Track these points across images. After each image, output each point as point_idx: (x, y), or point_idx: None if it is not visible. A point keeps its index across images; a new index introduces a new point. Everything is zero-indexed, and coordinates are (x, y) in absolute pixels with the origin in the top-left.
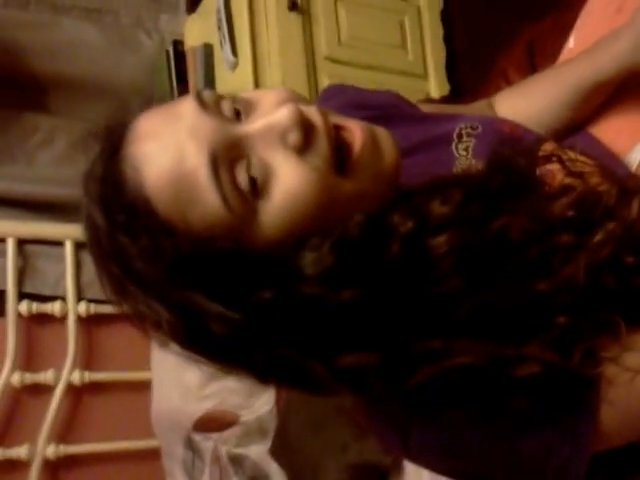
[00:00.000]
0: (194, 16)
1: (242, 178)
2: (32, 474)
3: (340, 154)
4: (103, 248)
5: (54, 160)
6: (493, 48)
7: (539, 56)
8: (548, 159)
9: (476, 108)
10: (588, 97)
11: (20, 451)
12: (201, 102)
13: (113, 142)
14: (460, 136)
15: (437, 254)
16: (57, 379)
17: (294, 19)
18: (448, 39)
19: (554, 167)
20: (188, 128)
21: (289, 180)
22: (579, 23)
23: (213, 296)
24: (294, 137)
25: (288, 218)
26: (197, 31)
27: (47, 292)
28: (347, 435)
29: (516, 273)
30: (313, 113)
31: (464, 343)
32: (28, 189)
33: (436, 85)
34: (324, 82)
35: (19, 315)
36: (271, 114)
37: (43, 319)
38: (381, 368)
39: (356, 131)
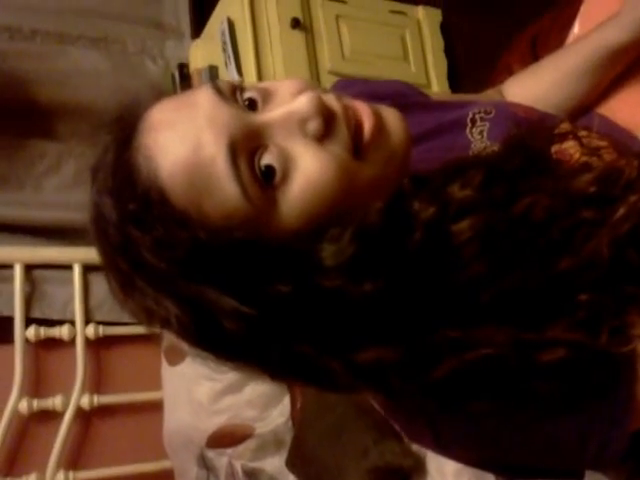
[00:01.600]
0: (198, 41)
1: (261, 167)
2: None
3: (355, 138)
4: (111, 242)
5: (61, 185)
6: (493, 56)
7: (542, 50)
8: (564, 137)
9: (486, 96)
10: (597, 68)
11: None
12: (218, 91)
13: (125, 132)
14: (474, 121)
15: (461, 240)
16: (66, 404)
17: (297, 36)
18: (449, 50)
19: (570, 146)
20: (205, 116)
21: (309, 168)
22: (583, 10)
23: (227, 290)
24: (315, 125)
25: (308, 207)
26: (202, 54)
27: (55, 316)
28: (367, 439)
29: (539, 253)
30: (332, 100)
31: (487, 330)
32: (35, 215)
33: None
34: None
35: (27, 341)
36: (290, 102)
37: (51, 344)
38: (402, 363)
39: (364, 113)
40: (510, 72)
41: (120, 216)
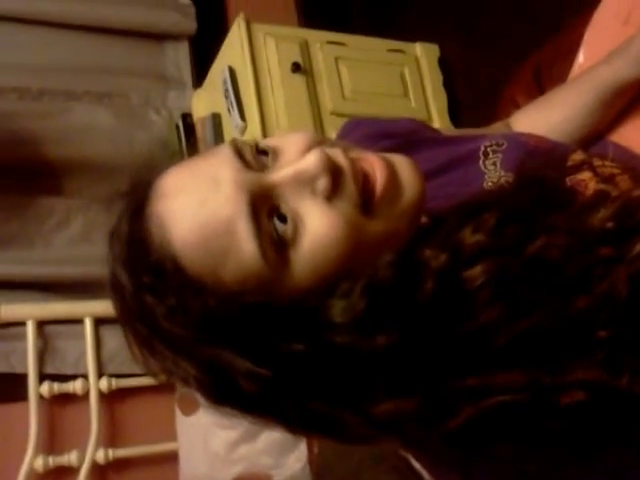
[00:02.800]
0: (200, 90)
1: (275, 227)
2: None
3: (365, 194)
4: (129, 308)
5: (70, 241)
6: (492, 87)
7: (547, 80)
8: (579, 168)
9: (495, 129)
10: (608, 102)
11: None
12: (237, 154)
13: (138, 200)
14: (486, 154)
15: (474, 286)
16: (81, 459)
17: (298, 80)
18: (448, 84)
19: (585, 176)
20: (224, 179)
21: (317, 227)
22: (587, 38)
23: (242, 352)
24: (323, 183)
25: (318, 265)
26: (204, 103)
27: (68, 371)
28: None
29: (555, 293)
30: (339, 156)
31: (504, 376)
32: (46, 271)
33: (440, 128)
34: (332, 136)
35: (41, 397)
36: (298, 161)
37: (65, 399)
38: (419, 413)
39: (377, 168)
40: (515, 104)
41: (135, 287)
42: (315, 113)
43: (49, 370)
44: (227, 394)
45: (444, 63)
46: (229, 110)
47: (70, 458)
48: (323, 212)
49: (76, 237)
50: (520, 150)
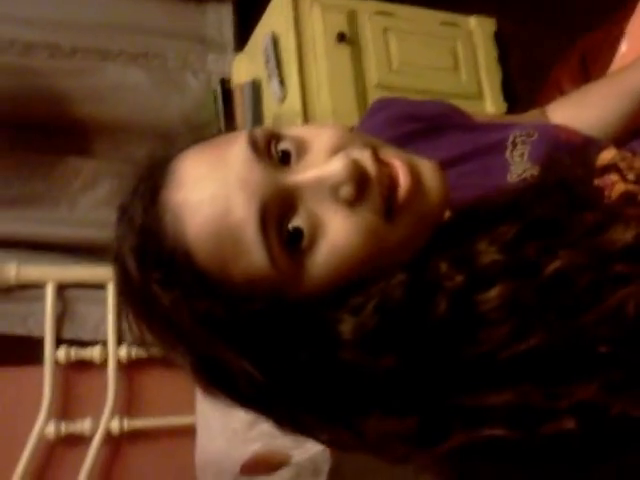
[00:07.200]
0: (241, 55)
1: (289, 229)
2: None
3: (388, 199)
4: (133, 290)
5: (96, 203)
6: (549, 65)
7: (592, 66)
8: (607, 168)
9: (529, 117)
10: None
11: None
12: (252, 143)
13: (154, 182)
14: (514, 144)
15: (487, 308)
16: (94, 428)
17: (343, 50)
18: (502, 59)
19: (613, 176)
20: (237, 178)
21: (337, 235)
22: (630, 27)
23: (242, 353)
24: (347, 191)
25: (333, 273)
26: (244, 69)
27: (87, 337)
28: (407, 470)
29: (564, 311)
30: (367, 161)
31: (498, 396)
32: (70, 233)
33: (492, 104)
34: None
35: (57, 362)
36: (323, 165)
37: (82, 366)
38: (411, 433)
39: (401, 172)
40: (559, 88)
41: (143, 276)
42: (359, 85)
43: (67, 335)
44: (221, 386)
45: (500, 38)
46: (269, 77)
47: (83, 426)
48: (344, 220)
49: (102, 200)
50: (549, 143)
